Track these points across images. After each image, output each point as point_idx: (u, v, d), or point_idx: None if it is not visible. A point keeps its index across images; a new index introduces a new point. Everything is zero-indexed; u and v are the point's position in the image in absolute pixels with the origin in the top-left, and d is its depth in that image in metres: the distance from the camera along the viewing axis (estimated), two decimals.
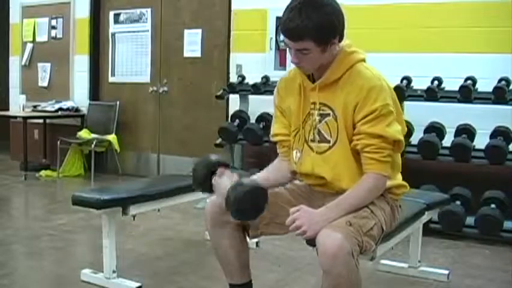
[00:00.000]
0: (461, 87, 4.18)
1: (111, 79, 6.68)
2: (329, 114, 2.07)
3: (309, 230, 1.90)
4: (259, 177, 2.21)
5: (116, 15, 6.57)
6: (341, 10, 2.00)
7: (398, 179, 2.21)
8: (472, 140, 4.18)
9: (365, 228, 1.93)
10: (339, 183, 2.07)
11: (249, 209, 1.95)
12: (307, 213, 1.94)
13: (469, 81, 4.23)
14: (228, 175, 2.09)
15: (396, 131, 2.01)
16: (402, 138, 2.05)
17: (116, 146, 6.30)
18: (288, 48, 2.05)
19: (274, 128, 2.30)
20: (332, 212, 1.94)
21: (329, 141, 2.08)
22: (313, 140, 2.12)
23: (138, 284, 2.92)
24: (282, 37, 2.11)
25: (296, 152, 2.18)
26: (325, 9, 1.94)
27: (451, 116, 4.38)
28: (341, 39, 2.02)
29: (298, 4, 1.94)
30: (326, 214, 1.93)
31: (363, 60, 2.09)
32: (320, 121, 2.09)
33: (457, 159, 4.10)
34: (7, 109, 7.24)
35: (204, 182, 2.12)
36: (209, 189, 2.13)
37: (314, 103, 2.10)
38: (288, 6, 1.98)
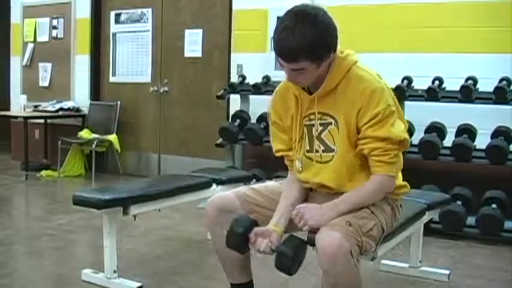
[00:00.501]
0: (462, 87, 4.18)
1: (112, 79, 6.68)
2: (330, 123, 2.06)
3: (310, 219, 1.93)
4: (288, 203, 2.13)
5: (117, 15, 6.58)
6: (333, 24, 1.93)
7: (399, 178, 2.21)
8: (473, 140, 4.18)
9: (364, 229, 1.93)
10: (345, 189, 2.06)
11: (296, 267, 2.00)
12: (313, 206, 1.99)
13: (470, 81, 4.23)
14: (262, 236, 2.05)
15: (400, 130, 2.01)
16: (407, 137, 2.04)
17: (117, 146, 6.30)
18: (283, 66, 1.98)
19: (275, 145, 2.28)
20: (338, 207, 1.96)
21: (333, 150, 2.07)
22: (317, 150, 2.10)
23: (139, 284, 2.92)
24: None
25: (298, 162, 2.17)
26: (318, 27, 1.87)
27: (451, 116, 4.38)
28: (334, 50, 1.97)
29: (290, 23, 1.87)
30: (333, 209, 1.96)
31: (357, 62, 2.05)
32: (323, 131, 2.07)
33: (458, 159, 4.10)
34: (8, 109, 7.24)
35: (240, 245, 2.08)
36: (244, 250, 2.11)
37: (313, 113, 2.08)
38: (280, 25, 1.90)
